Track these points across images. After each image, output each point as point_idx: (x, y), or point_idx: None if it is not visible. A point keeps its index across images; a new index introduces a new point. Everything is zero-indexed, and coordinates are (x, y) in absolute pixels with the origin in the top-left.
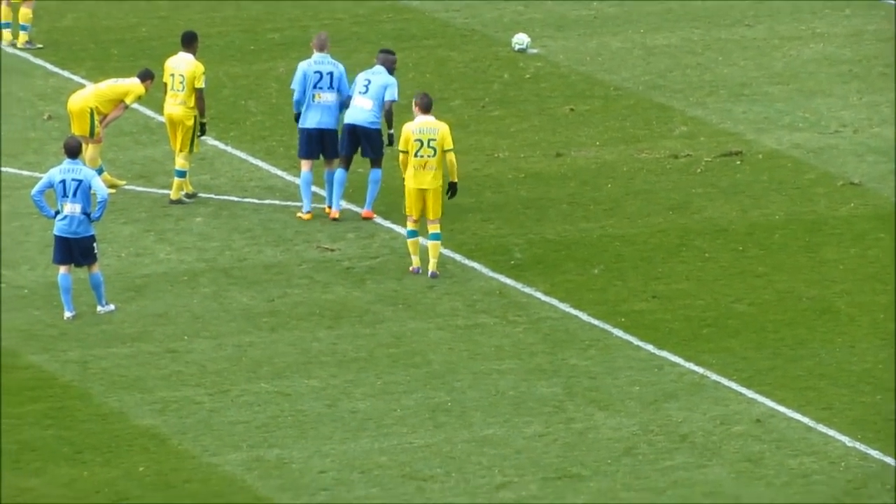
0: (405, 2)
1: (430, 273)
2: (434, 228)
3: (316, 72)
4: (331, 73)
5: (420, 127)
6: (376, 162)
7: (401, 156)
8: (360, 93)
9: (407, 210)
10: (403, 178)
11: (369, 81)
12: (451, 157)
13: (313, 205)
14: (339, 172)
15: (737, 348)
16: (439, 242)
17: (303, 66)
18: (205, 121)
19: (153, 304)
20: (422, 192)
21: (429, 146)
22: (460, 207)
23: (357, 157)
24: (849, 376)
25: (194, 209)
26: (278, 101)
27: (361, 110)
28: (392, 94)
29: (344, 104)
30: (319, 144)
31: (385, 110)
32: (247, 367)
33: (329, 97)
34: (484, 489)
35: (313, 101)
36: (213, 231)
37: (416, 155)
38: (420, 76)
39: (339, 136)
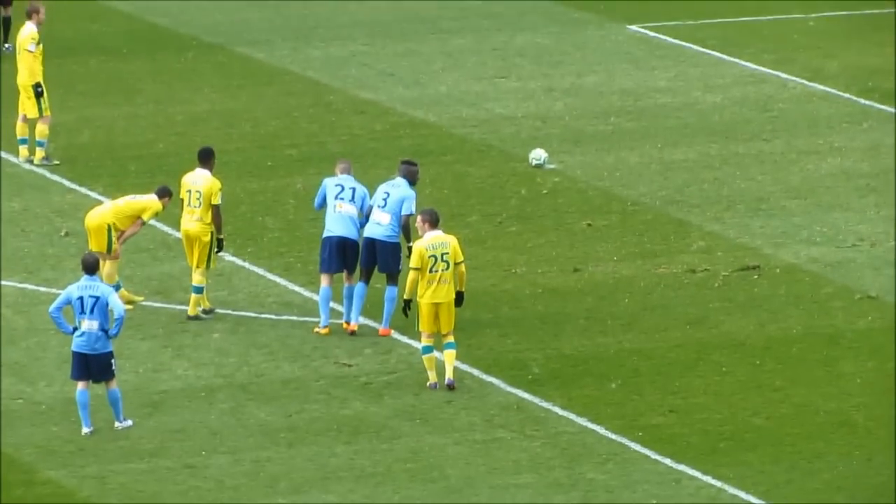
0: (422, 117)
1: (446, 381)
2: (449, 338)
3: (338, 184)
4: (353, 189)
5: (432, 243)
6: (392, 278)
7: (412, 273)
8: (378, 206)
9: (421, 326)
10: (406, 297)
11: (388, 195)
12: (462, 268)
13: (331, 320)
14: (358, 286)
15: (754, 462)
16: (454, 351)
17: (326, 180)
18: (222, 237)
19: (171, 419)
20: (436, 307)
21: (443, 260)
22: (478, 322)
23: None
24: (866, 490)
25: (212, 325)
26: (296, 218)
27: (379, 225)
28: (409, 207)
29: (366, 218)
30: (341, 254)
31: (402, 224)
32: (264, 482)
33: (350, 209)
34: None
35: (335, 211)
36: (231, 347)
37: (430, 270)
38: (437, 191)
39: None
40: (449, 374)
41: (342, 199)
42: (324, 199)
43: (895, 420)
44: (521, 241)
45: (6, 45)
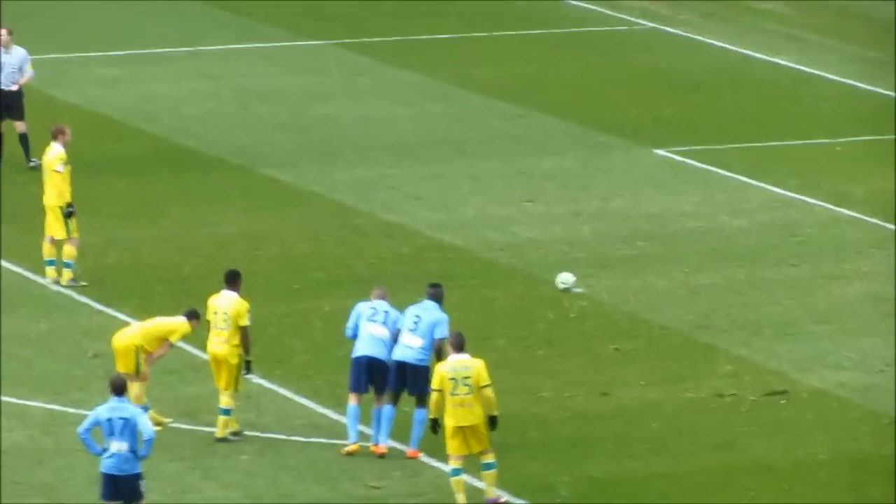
0: (449, 241)
1: (494, 497)
2: (486, 458)
3: (371, 307)
4: (386, 312)
5: (453, 366)
6: (422, 400)
7: (434, 394)
8: (409, 330)
9: (449, 449)
10: (432, 417)
11: (419, 318)
12: (489, 392)
13: (360, 441)
14: (386, 408)
15: None
16: (493, 472)
17: (359, 304)
18: (250, 359)
19: None
20: (462, 430)
21: (464, 384)
22: (506, 446)
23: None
24: None
25: (240, 447)
26: (323, 341)
27: (410, 347)
28: (442, 331)
29: (394, 340)
30: (369, 375)
31: (435, 348)
32: None
33: (381, 331)
34: None
35: (366, 332)
36: (259, 469)
37: (452, 393)
38: (464, 315)
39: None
40: (489, 495)
41: (374, 320)
42: (356, 325)
43: None
44: (549, 365)
45: (33, 160)
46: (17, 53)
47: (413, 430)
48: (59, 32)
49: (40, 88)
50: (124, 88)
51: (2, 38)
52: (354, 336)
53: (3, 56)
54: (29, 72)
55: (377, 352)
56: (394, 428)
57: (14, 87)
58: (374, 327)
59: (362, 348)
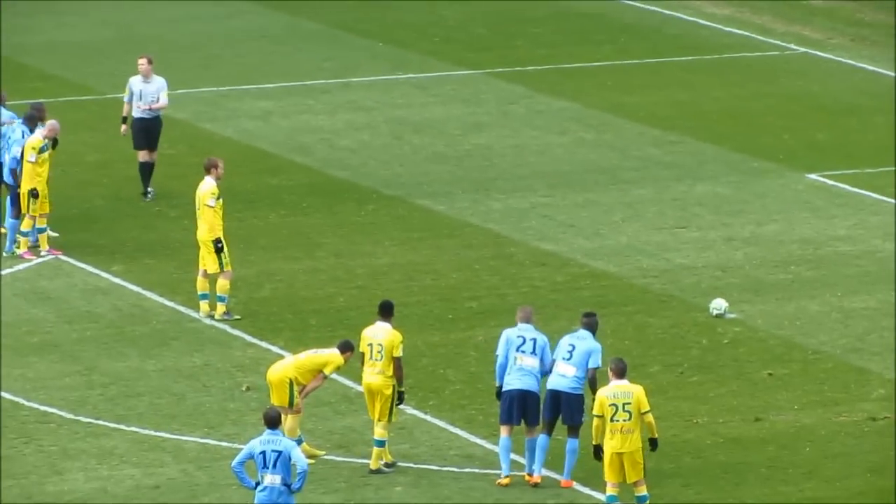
0: (603, 268)
1: None
2: (640, 490)
3: (519, 336)
4: (534, 339)
5: (614, 391)
6: (574, 430)
7: (595, 420)
8: (563, 359)
9: (606, 475)
10: (595, 443)
11: (573, 347)
12: (649, 417)
13: (513, 472)
14: (541, 438)
15: None
16: None
17: (507, 331)
18: (403, 390)
19: None
20: (620, 456)
21: (624, 410)
22: (660, 473)
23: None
24: None
25: (394, 478)
26: (477, 370)
27: (564, 377)
28: (596, 361)
29: (548, 370)
30: (521, 408)
31: (589, 378)
32: None
33: (531, 361)
34: None
35: (515, 363)
36: (414, 500)
37: (612, 419)
38: (618, 342)
39: (542, 403)
40: None
41: (523, 351)
42: (506, 355)
43: None
44: (703, 391)
45: (149, 192)
46: (157, 82)
47: (566, 460)
48: (213, 66)
49: (194, 122)
50: (278, 121)
51: (142, 67)
52: (504, 367)
53: (144, 85)
54: (164, 100)
55: (528, 384)
56: (547, 457)
57: (153, 115)
58: (523, 358)
59: (512, 381)
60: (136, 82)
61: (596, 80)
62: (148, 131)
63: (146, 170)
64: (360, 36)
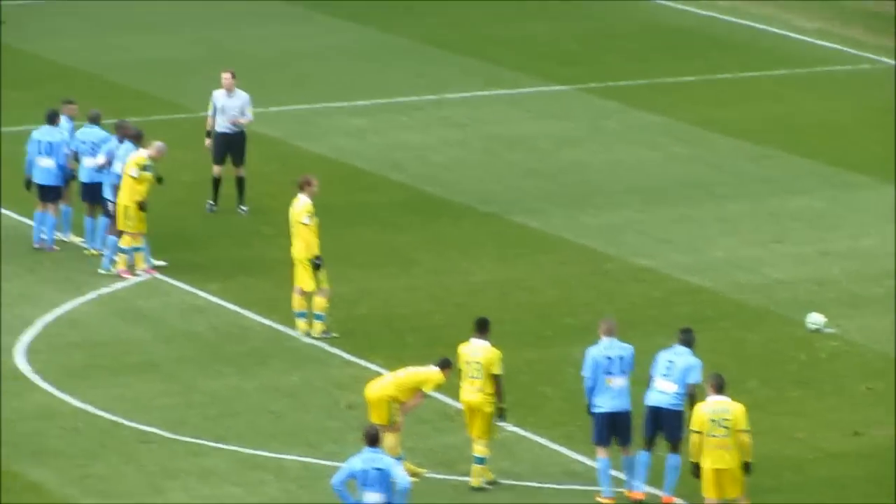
0: (699, 283)
1: None
2: None
3: (605, 357)
4: (621, 357)
5: (713, 407)
6: (675, 446)
7: (693, 436)
8: (661, 375)
9: (704, 491)
10: (693, 461)
11: (671, 363)
12: (745, 437)
13: (614, 488)
14: (642, 454)
15: None
16: None
17: (592, 352)
18: (503, 406)
19: None
20: (718, 473)
21: (722, 426)
22: (761, 488)
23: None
24: None
25: (495, 495)
26: (576, 387)
27: (664, 393)
28: (695, 376)
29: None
30: (612, 429)
31: (688, 393)
32: None
33: (620, 381)
34: None
35: (605, 385)
36: None
37: (710, 435)
38: (715, 357)
39: (633, 419)
40: None
41: (611, 373)
42: (594, 376)
43: None
44: (801, 406)
45: (243, 208)
46: (240, 97)
47: (667, 476)
48: (305, 83)
49: (287, 140)
50: (372, 138)
51: (225, 81)
52: (592, 386)
53: (227, 99)
54: (248, 115)
55: (618, 405)
56: (649, 473)
57: (236, 130)
58: (612, 380)
59: (602, 403)
60: (219, 96)
61: (688, 95)
62: (230, 146)
63: (241, 186)
64: (452, 52)
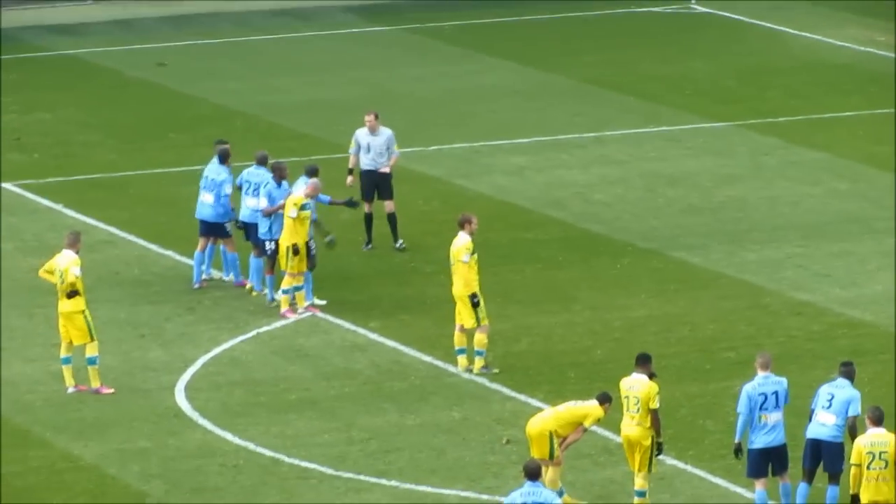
0: (859, 317)
1: None
2: None
3: (760, 394)
4: (775, 393)
5: (871, 440)
6: (835, 478)
7: (852, 469)
8: (823, 407)
9: None
10: (853, 492)
11: (832, 396)
12: None
13: None
14: (801, 486)
15: None
16: None
17: (747, 388)
18: (661, 440)
19: None
20: None
21: (880, 458)
22: None
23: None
24: None
25: None
26: (736, 419)
27: (824, 426)
28: (856, 409)
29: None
30: (767, 463)
31: (848, 426)
32: None
33: (776, 417)
34: None
35: (759, 421)
36: None
37: (868, 467)
38: (875, 390)
39: (790, 451)
40: None
41: (766, 409)
42: (748, 412)
43: None
44: None
45: (399, 242)
46: (384, 134)
47: None
48: (465, 122)
49: (447, 178)
50: (532, 176)
51: (369, 122)
52: (745, 424)
53: (371, 138)
54: (395, 152)
55: (772, 440)
56: None
57: (385, 170)
58: (767, 416)
59: (758, 440)
60: (362, 135)
61: (847, 130)
62: (377, 183)
63: (393, 221)
64: (611, 90)
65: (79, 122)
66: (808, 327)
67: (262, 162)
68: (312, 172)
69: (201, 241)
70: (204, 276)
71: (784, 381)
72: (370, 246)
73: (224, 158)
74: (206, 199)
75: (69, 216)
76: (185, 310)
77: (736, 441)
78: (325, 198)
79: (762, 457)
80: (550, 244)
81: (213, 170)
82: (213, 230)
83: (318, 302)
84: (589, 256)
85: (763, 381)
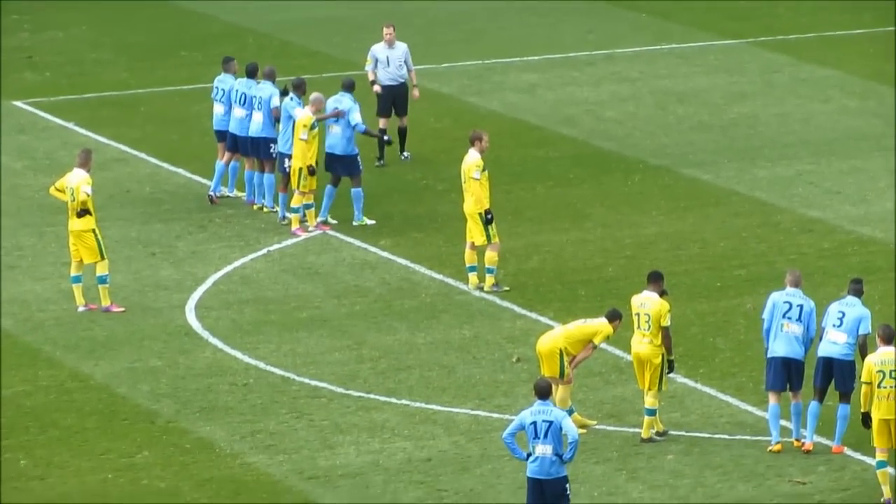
0: (869, 234)
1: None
2: None
3: (786, 302)
4: (801, 306)
5: (881, 358)
6: (846, 397)
7: (863, 387)
8: (833, 326)
9: (874, 442)
10: (864, 411)
11: (843, 314)
12: None
13: (782, 437)
14: (812, 405)
15: None
16: None
17: (774, 295)
18: (672, 358)
19: None
20: (887, 423)
21: (890, 377)
22: None
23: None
24: None
25: (665, 447)
26: (746, 338)
27: (836, 344)
28: (866, 327)
29: (811, 336)
30: (785, 374)
31: (859, 344)
32: None
33: (797, 328)
34: None
35: (781, 330)
36: (685, 468)
37: (879, 386)
38: (886, 308)
39: (807, 368)
40: (886, 494)
41: (789, 318)
42: (771, 318)
43: None
44: None
45: (405, 154)
46: (400, 48)
47: (837, 426)
48: (478, 39)
49: (459, 96)
50: (543, 93)
51: (388, 35)
52: (769, 330)
53: (389, 51)
54: (410, 66)
55: (792, 351)
56: (818, 423)
57: (400, 81)
58: (789, 325)
59: (778, 348)
60: (379, 50)
61: (858, 48)
62: (396, 98)
63: (403, 134)
64: (622, 8)
65: (90, 40)
66: (819, 244)
67: (270, 77)
68: (349, 87)
69: (227, 155)
70: (220, 193)
71: (812, 302)
72: (382, 162)
73: (253, 73)
74: (238, 113)
75: (81, 134)
76: (197, 228)
77: (766, 348)
78: (362, 126)
79: (783, 366)
80: (561, 161)
81: (245, 84)
82: (252, 147)
83: (330, 221)
84: (600, 174)
85: (792, 293)
